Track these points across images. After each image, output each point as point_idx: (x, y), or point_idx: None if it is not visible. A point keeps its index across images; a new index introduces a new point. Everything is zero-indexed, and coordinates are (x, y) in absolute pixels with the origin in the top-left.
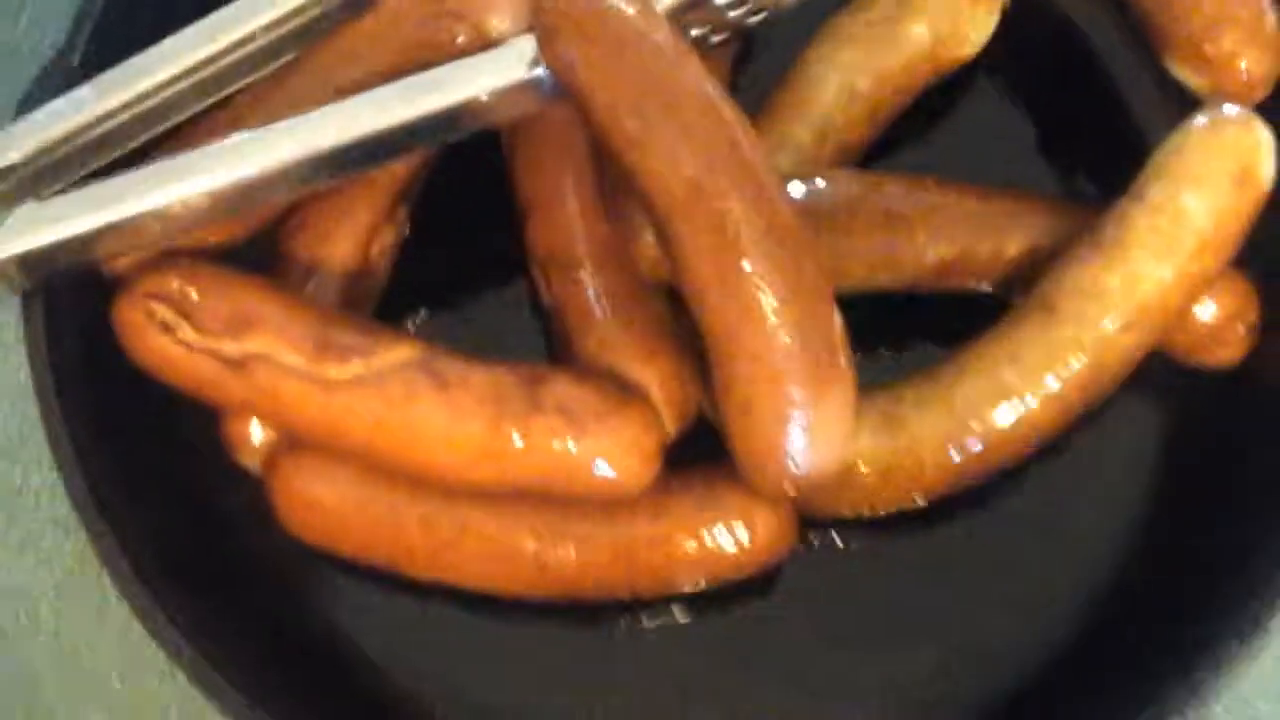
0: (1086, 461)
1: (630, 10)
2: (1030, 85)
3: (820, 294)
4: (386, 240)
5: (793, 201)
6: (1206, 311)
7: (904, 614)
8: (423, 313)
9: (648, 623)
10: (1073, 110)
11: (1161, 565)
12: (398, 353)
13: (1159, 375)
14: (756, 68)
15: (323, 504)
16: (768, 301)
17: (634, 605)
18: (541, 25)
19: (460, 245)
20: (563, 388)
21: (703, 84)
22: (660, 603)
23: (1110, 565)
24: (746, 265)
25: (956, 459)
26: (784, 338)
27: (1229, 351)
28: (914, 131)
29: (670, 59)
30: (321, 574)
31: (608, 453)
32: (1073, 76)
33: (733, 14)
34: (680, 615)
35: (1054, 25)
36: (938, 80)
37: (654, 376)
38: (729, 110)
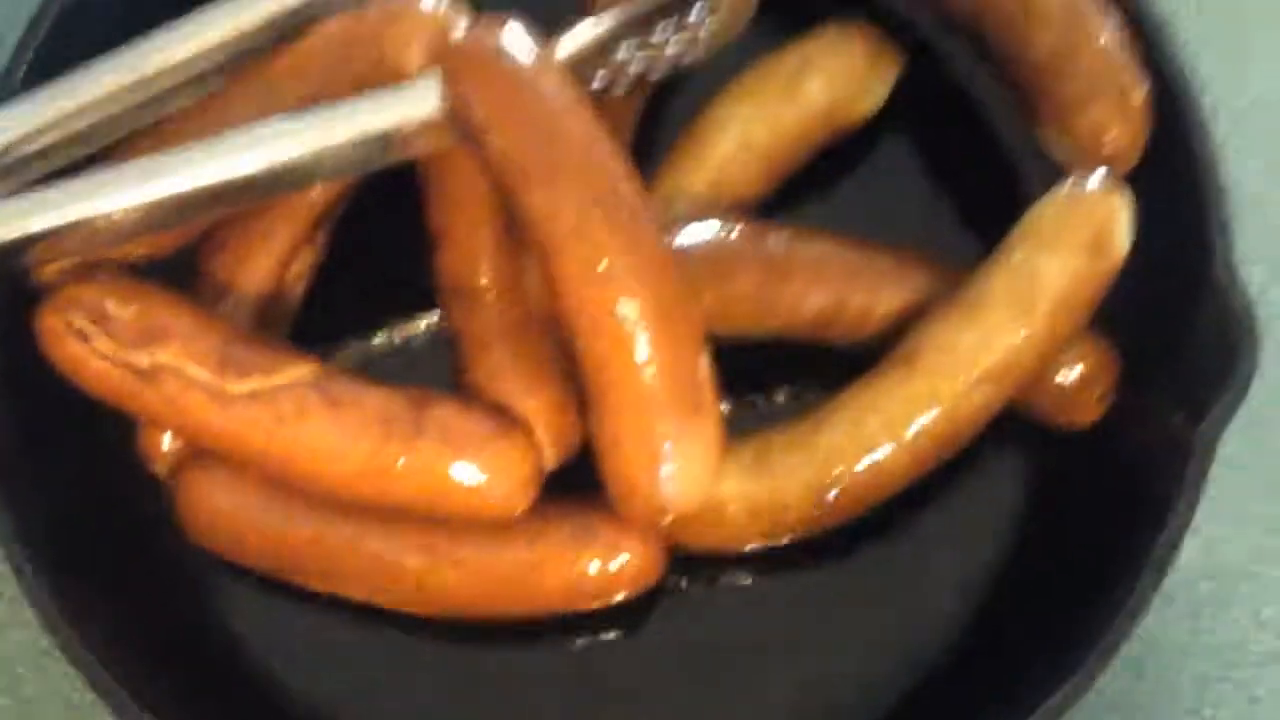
0: (949, 508)
1: (527, 58)
2: (927, 147)
3: (690, 336)
4: (304, 263)
5: (671, 246)
6: (1065, 374)
7: (768, 651)
8: (334, 334)
9: (523, 650)
10: (966, 173)
11: (1015, 608)
12: (295, 371)
13: (1020, 429)
14: (665, 118)
15: (222, 513)
16: (637, 340)
17: (516, 630)
18: (446, 66)
19: (376, 272)
20: (447, 413)
21: (590, 131)
22: (542, 630)
23: (967, 606)
24: (618, 304)
25: (820, 502)
26: (651, 376)
27: (1086, 414)
28: (813, 186)
29: (560, 105)
30: (225, 582)
31: (485, 477)
32: (967, 141)
33: (633, 69)
34: (561, 643)
35: (950, 91)
36: (837, 138)
37: (538, 407)
38: (613, 157)
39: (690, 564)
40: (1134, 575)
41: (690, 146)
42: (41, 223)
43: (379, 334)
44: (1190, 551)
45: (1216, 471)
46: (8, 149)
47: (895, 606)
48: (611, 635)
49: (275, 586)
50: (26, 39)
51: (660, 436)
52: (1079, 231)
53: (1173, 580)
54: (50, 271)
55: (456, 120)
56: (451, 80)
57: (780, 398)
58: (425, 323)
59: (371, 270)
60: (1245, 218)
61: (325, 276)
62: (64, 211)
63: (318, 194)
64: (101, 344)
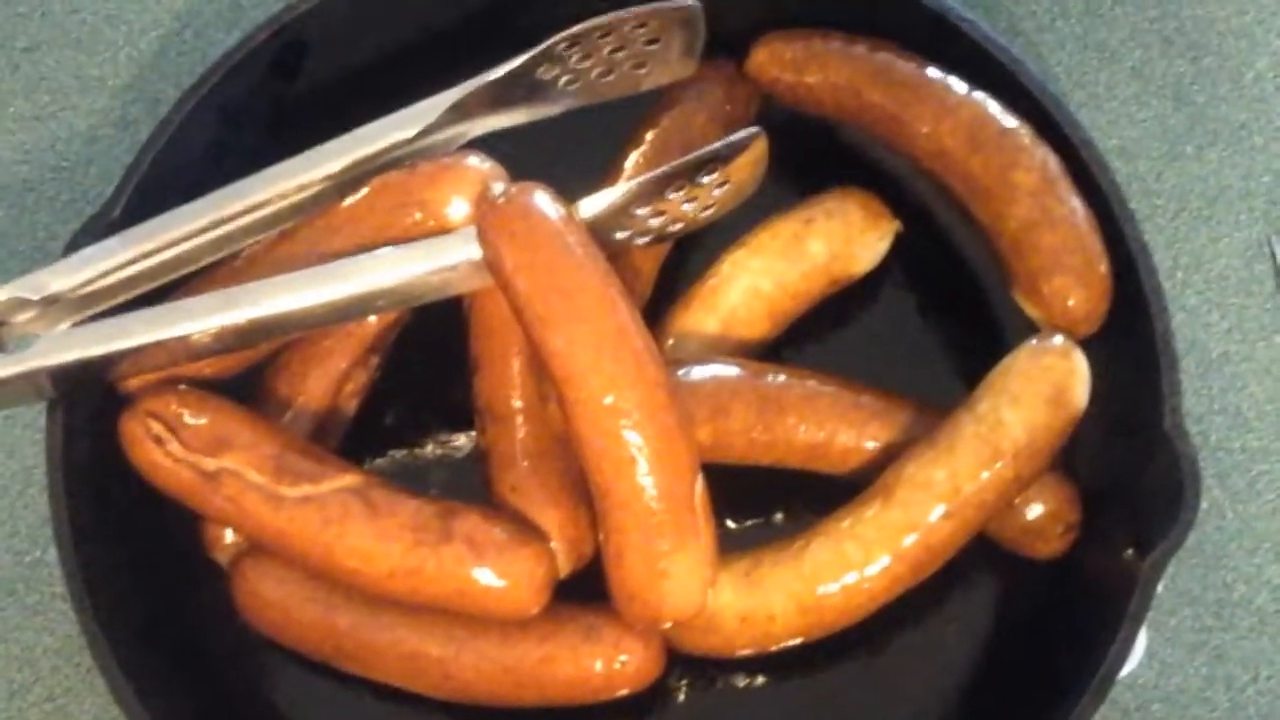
0: (925, 624)
1: (552, 215)
2: (919, 299)
3: (687, 464)
4: (357, 383)
5: (673, 383)
6: (1031, 509)
7: None
8: (382, 447)
9: None
10: (952, 324)
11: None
12: (342, 480)
13: (992, 556)
14: (681, 268)
15: (273, 601)
16: (639, 466)
17: (532, 717)
18: (479, 220)
19: (423, 392)
20: (472, 522)
21: (603, 281)
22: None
23: (935, 717)
24: (621, 434)
25: (803, 615)
26: (650, 499)
27: (1050, 546)
28: (814, 330)
29: (578, 259)
30: (273, 662)
31: (503, 581)
32: (955, 296)
33: (652, 222)
34: None
35: (943, 251)
36: (837, 290)
37: (554, 520)
38: (623, 305)
39: (689, 666)
40: (1079, 691)
41: (702, 294)
42: (129, 341)
43: (422, 448)
44: (1146, 674)
45: (1173, 603)
46: (104, 275)
47: (874, 713)
48: None
49: (316, 667)
50: (123, 184)
51: (659, 553)
52: (1040, 386)
53: (1130, 701)
54: (134, 383)
55: (489, 267)
56: (485, 234)
57: (778, 518)
58: (462, 439)
59: (417, 391)
60: (1209, 374)
61: (376, 395)
62: (149, 333)
63: (372, 324)
64: (174, 448)
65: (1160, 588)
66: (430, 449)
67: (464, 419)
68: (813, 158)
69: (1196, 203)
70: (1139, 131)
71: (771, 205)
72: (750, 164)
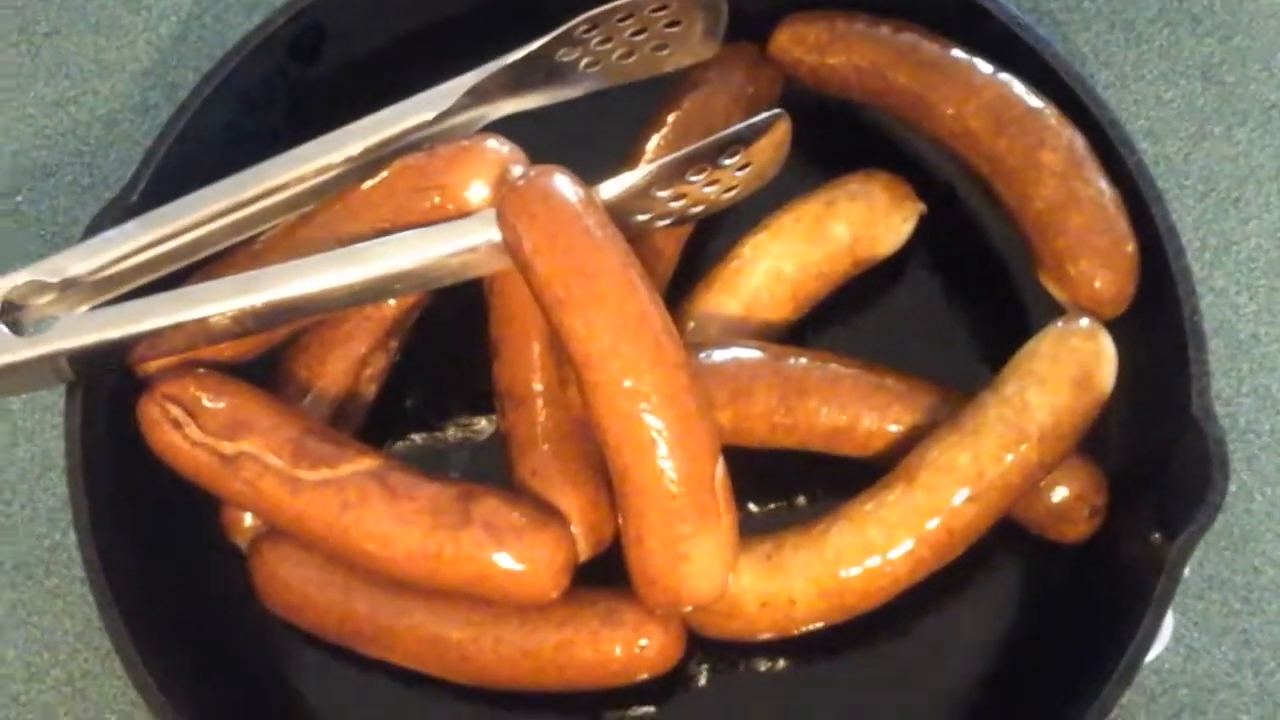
0: (949, 609)
1: (572, 197)
2: (944, 281)
3: (707, 446)
4: (377, 367)
5: (694, 366)
6: (1056, 493)
7: None
8: (402, 431)
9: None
10: (978, 307)
11: (1006, 704)
12: (360, 463)
13: (1018, 540)
14: (704, 250)
15: (291, 584)
16: (658, 449)
17: (551, 702)
18: (499, 202)
19: (442, 376)
20: (492, 506)
21: (623, 263)
22: (575, 704)
23: (963, 702)
24: (641, 418)
25: (825, 599)
26: (670, 482)
27: (1076, 530)
28: (838, 312)
29: (597, 241)
30: (291, 644)
31: (523, 565)
32: (982, 280)
33: (673, 205)
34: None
35: (969, 234)
36: (861, 272)
37: (574, 504)
38: (643, 286)
39: (710, 650)
40: (1105, 677)
41: (724, 277)
42: (148, 324)
43: (441, 432)
44: (1173, 660)
45: (1200, 587)
46: (123, 259)
47: (897, 699)
48: (637, 713)
49: (335, 651)
50: (142, 168)
51: (679, 536)
52: (1066, 369)
53: (1156, 686)
54: (153, 366)
55: (509, 249)
56: (505, 216)
57: (799, 502)
58: (482, 423)
59: (437, 375)
60: (1238, 355)
61: (396, 379)
62: (167, 316)
63: (391, 307)
64: (192, 432)
65: (1187, 572)
66: (450, 433)
67: (484, 403)
68: (836, 140)
69: (1225, 184)
70: (1167, 112)
71: (794, 188)
72: (773, 146)
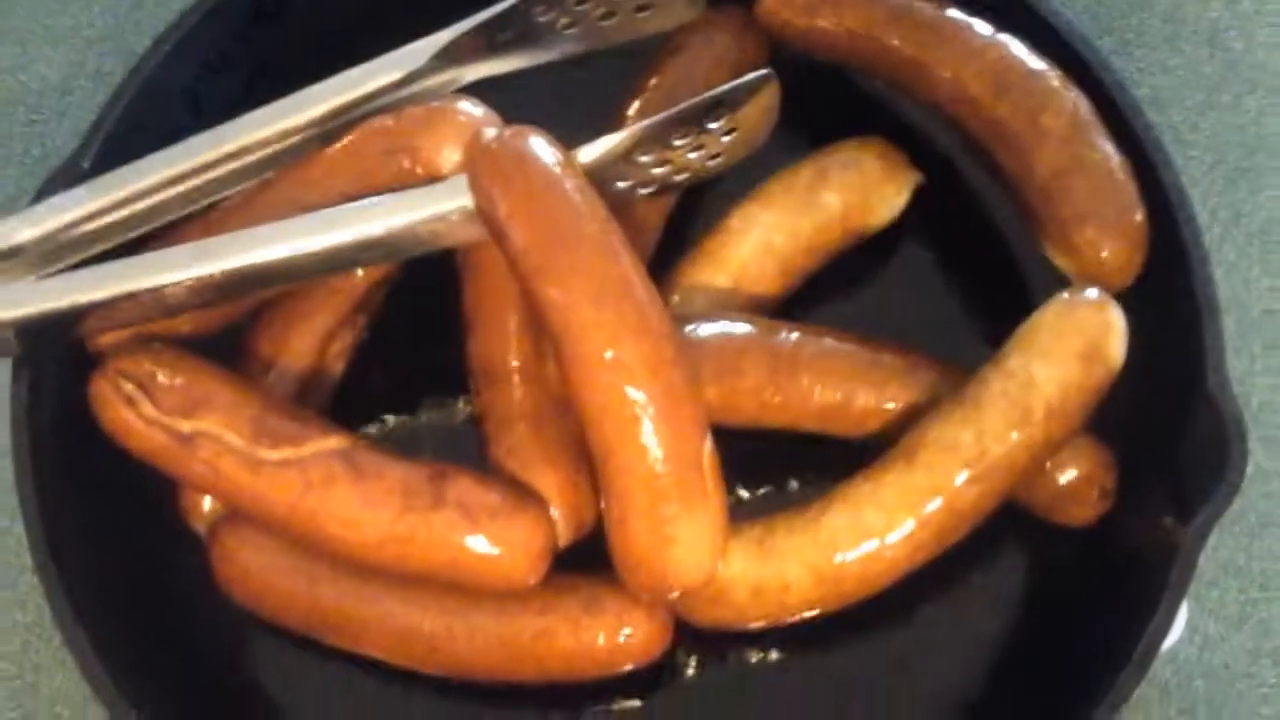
0: (950, 596)
1: (547, 159)
2: (942, 253)
3: (694, 423)
4: (344, 343)
5: (679, 339)
6: (1064, 474)
7: None
8: (371, 410)
9: (535, 717)
10: (977, 279)
11: (1011, 696)
12: (325, 442)
13: (1023, 524)
14: (690, 221)
15: (253, 571)
16: (642, 426)
17: (529, 695)
18: (471, 164)
19: (413, 353)
20: (465, 486)
21: (603, 230)
22: (555, 697)
23: (965, 694)
24: (624, 391)
25: (820, 585)
26: (655, 460)
27: (1084, 512)
28: (831, 285)
29: (576, 206)
30: (253, 635)
31: (499, 549)
32: (979, 249)
33: (656, 171)
34: (573, 712)
35: (967, 203)
36: (853, 244)
37: (553, 485)
38: (624, 255)
39: (698, 640)
40: (1117, 668)
41: (712, 248)
42: (99, 293)
43: (413, 413)
44: (1188, 650)
45: (1215, 574)
46: (73, 226)
47: (896, 692)
48: (622, 706)
49: (300, 642)
50: (92, 133)
51: (664, 517)
52: (1073, 341)
53: (1170, 677)
54: (105, 341)
55: (482, 215)
56: (477, 179)
57: (792, 487)
58: (456, 403)
59: (408, 352)
60: (1250, 332)
61: (364, 356)
62: (120, 285)
63: (358, 279)
64: (147, 410)
65: (1201, 559)
66: (422, 413)
67: (457, 381)
68: (827, 107)
69: (1235, 154)
70: (1172, 79)
71: (784, 156)
72: (761, 110)
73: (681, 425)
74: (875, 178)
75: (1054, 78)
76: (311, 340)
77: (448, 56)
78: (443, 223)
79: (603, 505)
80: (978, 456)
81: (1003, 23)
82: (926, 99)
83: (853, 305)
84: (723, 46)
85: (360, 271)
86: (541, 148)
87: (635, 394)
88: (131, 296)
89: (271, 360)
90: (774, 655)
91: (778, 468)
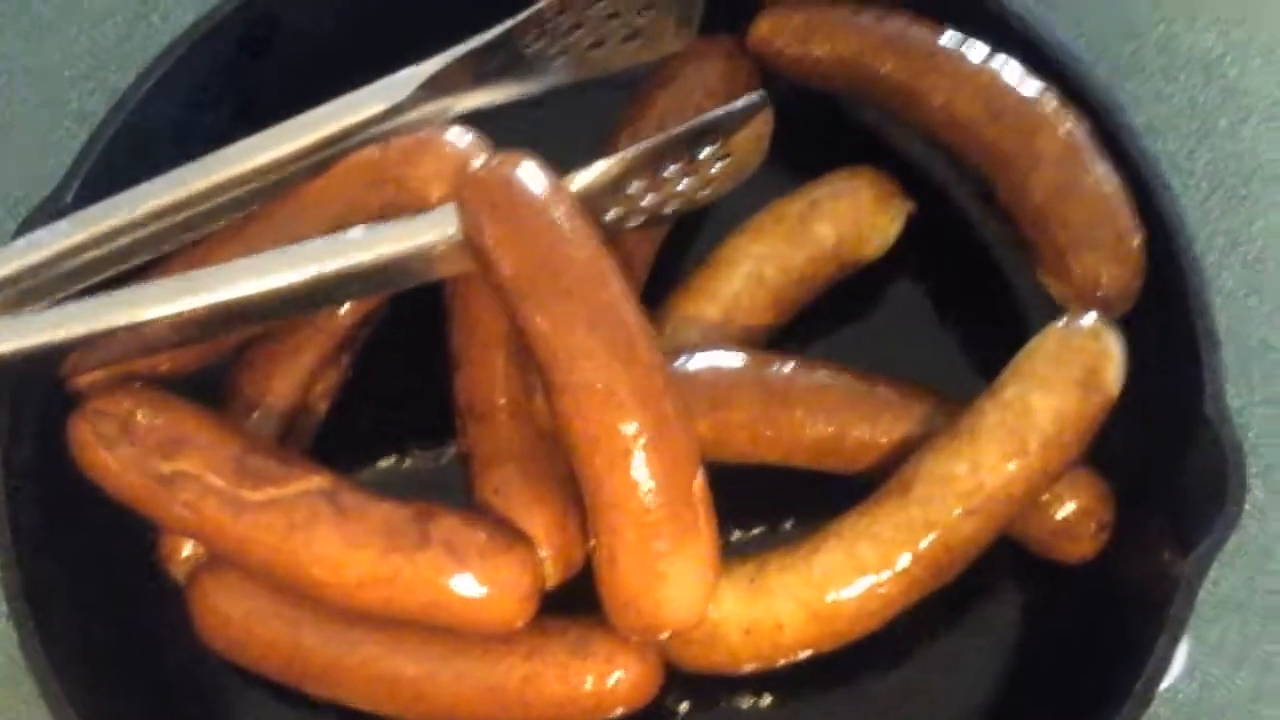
0: (947, 635)
1: (537, 188)
2: (935, 286)
3: (686, 457)
4: (328, 382)
5: (671, 371)
6: (1061, 508)
7: None
8: (356, 450)
9: None
10: (972, 310)
11: None
12: (308, 482)
13: (1019, 559)
14: (682, 252)
15: (233, 618)
16: (633, 459)
17: None
18: (460, 193)
19: (399, 392)
20: (451, 526)
21: (594, 259)
22: None
23: None
24: (614, 423)
25: (814, 624)
26: (646, 495)
27: (1082, 548)
28: (824, 317)
29: (566, 234)
30: (233, 686)
31: (486, 589)
32: (975, 283)
33: (644, 203)
34: None
35: (961, 233)
36: (846, 275)
37: (541, 524)
38: (615, 284)
39: (689, 685)
40: (1115, 707)
41: (704, 279)
42: (77, 330)
43: (398, 452)
44: (1188, 688)
45: (1215, 612)
46: (55, 261)
47: None
48: None
49: (281, 691)
50: (75, 166)
51: (655, 554)
52: (1070, 369)
53: (1170, 717)
54: (84, 381)
55: (469, 242)
56: (465, 205)
57: (786, 526)
58: (442, 442)
59: (393, 391)
60: (1249, 362)
61: (349, 396)
62: (98, 321)
63: (343, 317)
64: (126, 451)
65: (1201, 594)
66: (407, 453)
67: (444, 420)
68: (819, 136)
69: (1231, 181)
70: (1167, 108)
71: (775, 187)
72: (753, 136)
73: (672, 458)
74: (867, 208)
75: (1049, 101)
76: (295, 380)
77: (436, 86)
78: (430, 253)
79: (591, 543)
80: (973, 489)
81: (997, 47)
82: (920, 125)
83: (846, 336)
84: (714, 75)
85: (344, 309)
86: (531, 173)
87: (625, 426)
88: (111, 333)
89: (255, 401)
90: (767, 700)
91: (770, 504)
